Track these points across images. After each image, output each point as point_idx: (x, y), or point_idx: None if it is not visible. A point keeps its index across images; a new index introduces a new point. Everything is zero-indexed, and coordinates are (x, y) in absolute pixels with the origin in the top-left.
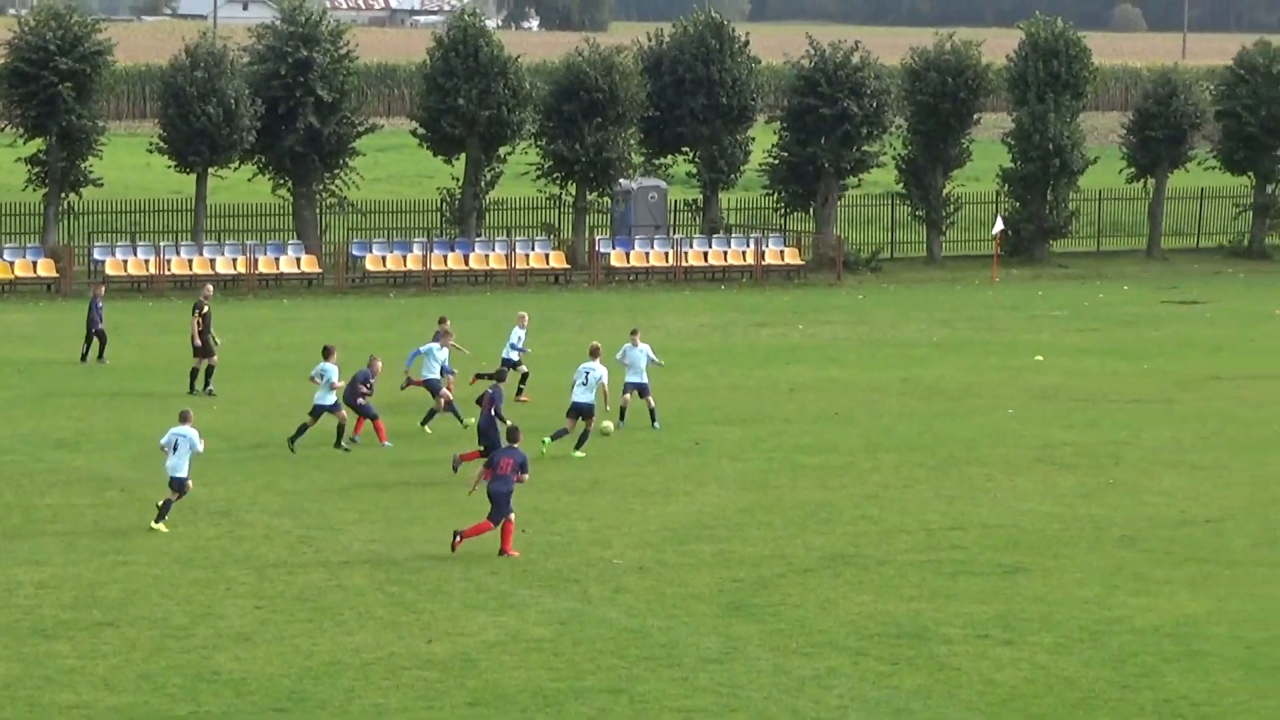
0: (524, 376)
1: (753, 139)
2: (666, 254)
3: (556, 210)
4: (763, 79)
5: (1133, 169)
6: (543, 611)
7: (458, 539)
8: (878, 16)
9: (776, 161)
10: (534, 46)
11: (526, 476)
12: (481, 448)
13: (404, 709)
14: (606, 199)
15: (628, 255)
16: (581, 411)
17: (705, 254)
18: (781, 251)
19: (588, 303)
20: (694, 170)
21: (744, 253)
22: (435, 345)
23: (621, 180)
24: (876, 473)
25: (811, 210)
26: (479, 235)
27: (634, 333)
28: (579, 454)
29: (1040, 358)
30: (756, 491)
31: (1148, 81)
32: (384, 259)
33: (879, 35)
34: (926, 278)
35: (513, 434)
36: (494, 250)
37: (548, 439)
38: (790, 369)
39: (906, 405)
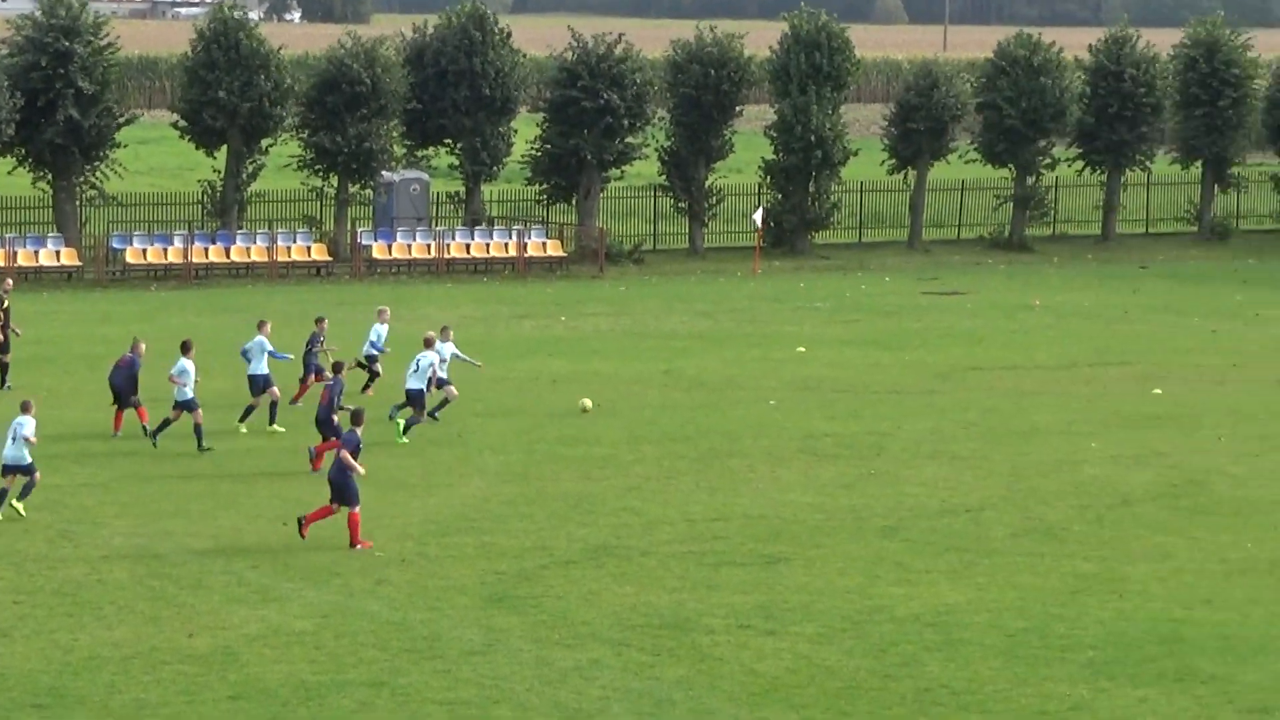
0: (373, 376)
1: (515, 131)
2: (429, 246)
3: (318, 203)
4: (526, 71)
5: (894, 161)
6: (305, 605)
7: (303, 525)
8: (640, 9)
9: (539, 153)
10: (296, 38)
11: (348, 459)
12: (325, 440)
13: (165, 703)
14: (368, 191)
15: (390, 247)
16: (411, 399)
17: (468, 246)
18: (544, 243)
19: (349, 295)
20: (456, 162)
21: (506, 245)
22: (263, 339)
23: (383, 172)
24: (639, 464)
25: (574, 202)
26: (240, 228)
27: (445, 329)
28: (404, 440)
29: (802, 349)
30: (519, 483)
31: (909, 74)
32: (144, 252)
33: (641, 27)
34: (689, 269)
35: (356, 417)
36: (255, 243)
37: (401, 433)
38: (553, 361)
39: (669, 397)
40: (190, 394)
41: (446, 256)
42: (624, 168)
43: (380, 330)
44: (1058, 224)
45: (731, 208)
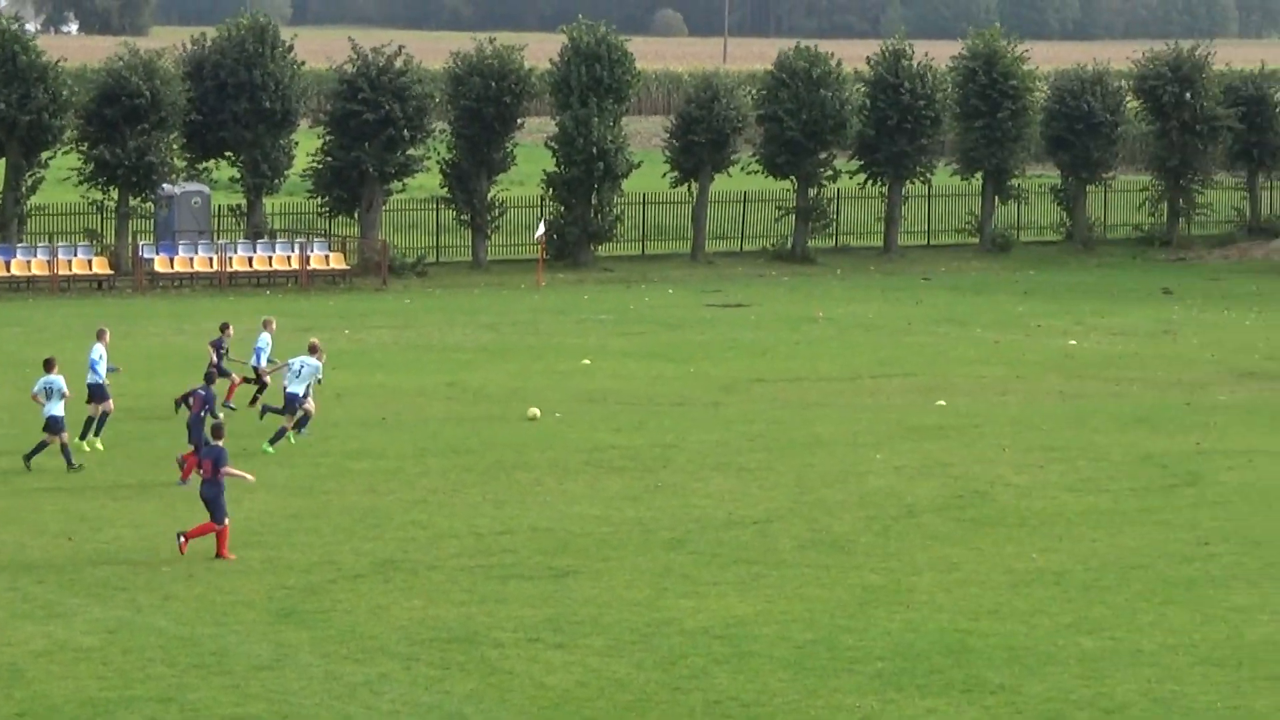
0: (261, 386)
1: (296, 143)
2: (211, 259)
3: (99, 216)
4: (306, 83)
5: (676, 173)
6: (91, 620)
7: (182, 540)
8: (420, 20)
9: (320, 166)
10: (74, 50)
11: (231, 471)
12: (193, 446)
13: None
14: (150, 204)
15: (172, 261)
16: (289, 404)
17: (250, 259)
18: (327, 256)
19: (132, 309)
20: (238, 175)
21: (289, 258)
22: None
23: (164, 185)
24: (425, 478)
25: (356, 215)
26: (20, 241)
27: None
28: (270, 449)
29: (587, 361)
30: (305, 497)
31: (690, 86)
32: None
33: (422, 39)
34: (472, 282)
35: (216, 431)
36: (35, 256)
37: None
38: (337, 374)
39: (454, 409)
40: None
41: (228, 270)
42: (406, 180)
43: (266, 338)
44: (840, 236)
45: (514, 220)
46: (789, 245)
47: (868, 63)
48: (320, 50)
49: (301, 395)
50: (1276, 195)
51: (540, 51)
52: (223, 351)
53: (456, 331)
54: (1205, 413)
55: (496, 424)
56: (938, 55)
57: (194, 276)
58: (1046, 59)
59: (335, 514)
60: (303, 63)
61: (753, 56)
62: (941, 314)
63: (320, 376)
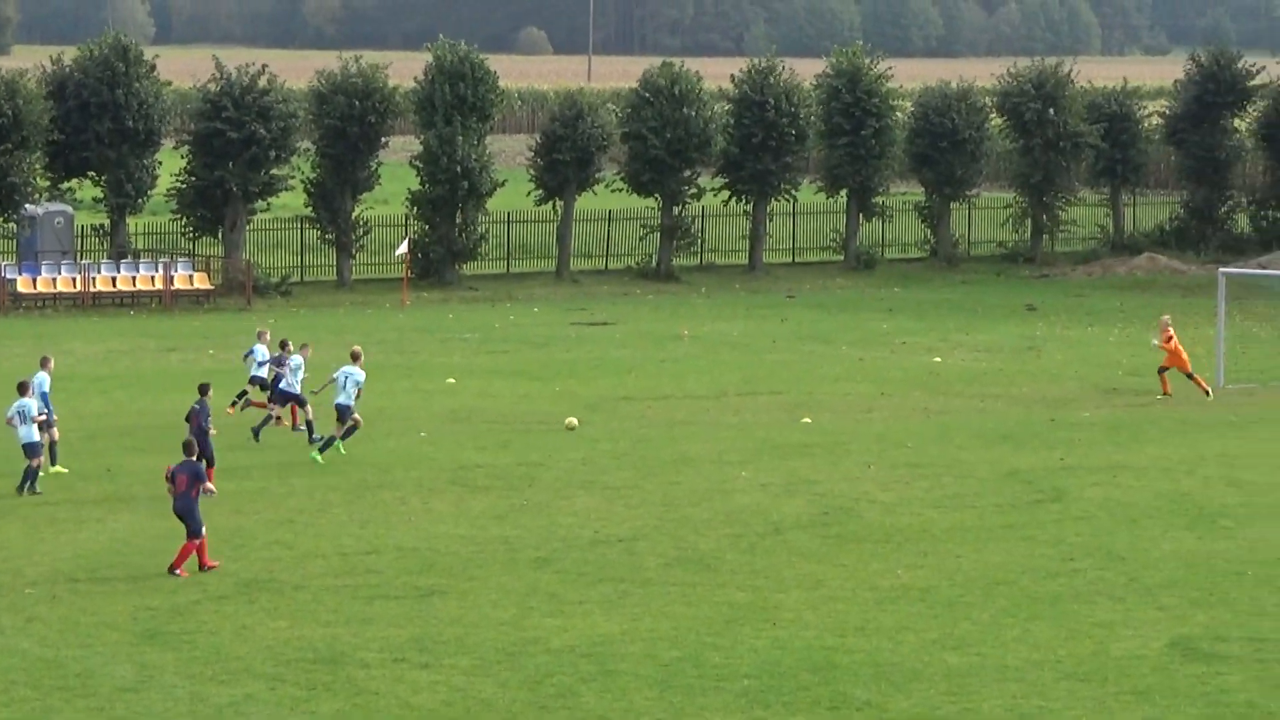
0: (243, 393)
1: (160, 163)
2: (74, 280)
3: None
4: (170, 102)
5: (541, 191)
6: None
7: (176, 571)
8: (284, 39)
9: (184, 185)
10: None
11: (209, 486)
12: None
13: None
14: (12, 225)
15: (34, 281)
16: (340, 414)
17: (114, 279)
18: (190, 276)
19: None
20: (101, 195)
21: (153, 278)
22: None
23: (26, 205)
24: (291, 497)
25: (220, 234)
26: None
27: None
28: (319, 458)
29: (452, 380)
30: (169, 518)
31: (554, 104)
32: None
33: (286, 58)
34: (337, 301)
35: (187, 447)
36: None
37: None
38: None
39: (318, 429)
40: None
41: (92, 290)
42: (270, 199)
43: (262, 350)
44: (705, 254)
45: (379, 239)
46: (654, 263)
47: (732, 80)
48: (184, 69)
49: (351, 405)
50: (1140, 212)
51: (404, 70)
52: (282, 372)
53: (321, 351)
54: (1069, 429)
55: (362, 443)
56: (802, 73)
57: (57, 297)
58: (910, 76)
59: None
60: (167, 82)
61: (617, 74)
62: (807, 331)
63: (362, 384)
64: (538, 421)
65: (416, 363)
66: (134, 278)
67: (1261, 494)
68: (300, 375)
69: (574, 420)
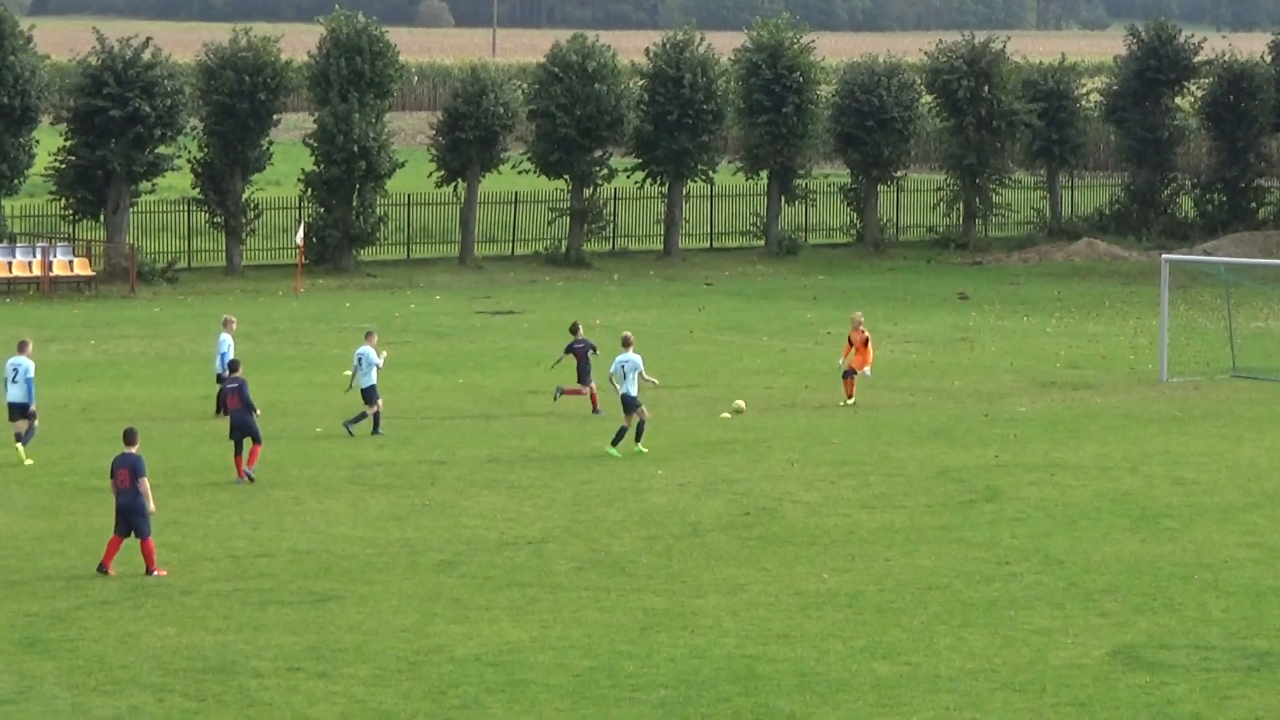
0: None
1: (38, 141)
2: None
3: None
4: (48, 77)
5: (443, 172)
6: None
7: (154, 572)
8: (169, 11)
9: (64, 166)
10: None
11: (145, 486)
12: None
13: None
14: None
15: None
16: (628, 405)
17: None
18: (71, 262)
19: None
20: None
21: (30, 263)
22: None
23: None
24: (178, 497)
25: (102, 218)
26: None
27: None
28: (640, 448)
29: (349, 373)
30: (48, 519)
31: (457, 80)
32: None
33: (172, 30)
34: (227, 288)
35: (128, 436)
36: None
37: (612, 448)
38: (83, 387)
39: (207, 425)
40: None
41: None
42: (155, 180)
43: (226, 340)
44: (617, 239)
45: (271, 222)
46: (563, 249)
47: (646, 55)
48: (63, 42)
49: (635, 394)
50: (1078, 195)
51: (298, 44)
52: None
53: (210, 341)
54: (1004, 425)
55: None
56: (720, 47)
57: None
58: (835, 51)
59: (82, 536)
60: (44, 55)
61: (523, 48)
62: (725, 321)
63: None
64: (441, 416)
65: (311, 354)
66: (10, 263)
67: (1207, 493)
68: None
69: (741, 403)
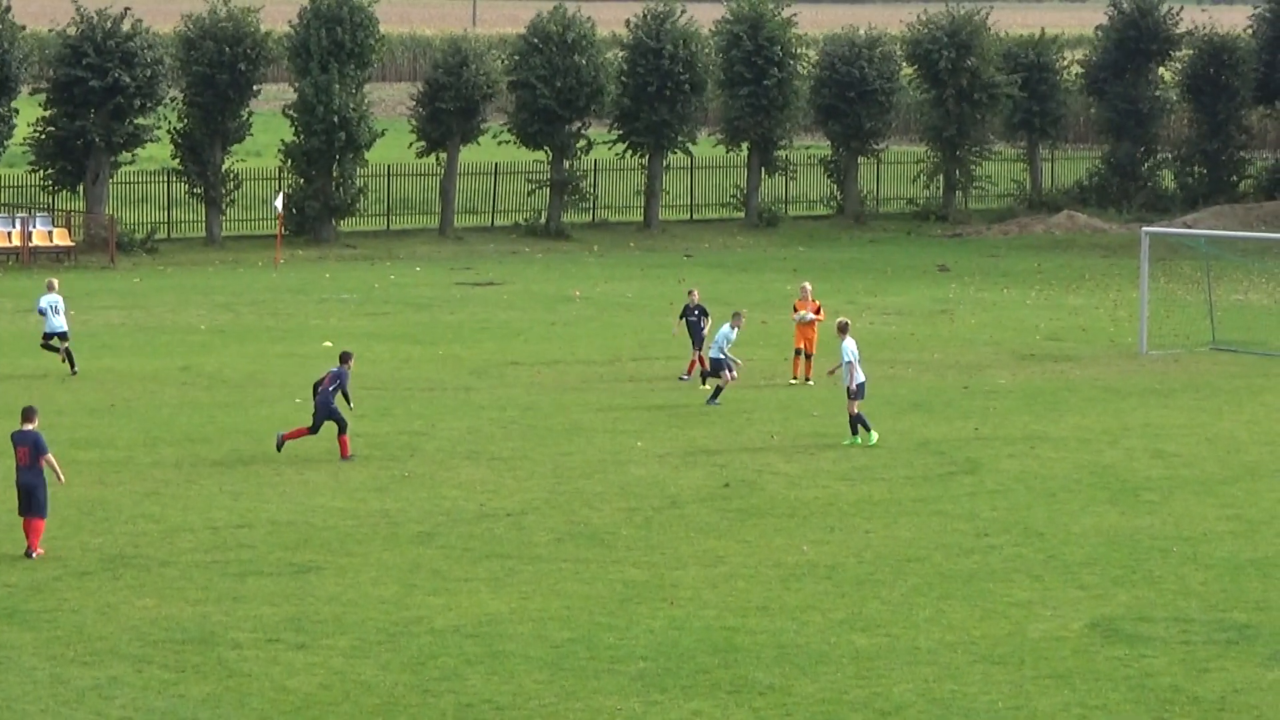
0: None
1: (17, 112)
2: None
3: None
4: (27, 48)
5: (423, 143)
6: None
7: (32, 552)
8: None
9: (43, 136)
10: None
11: (51, 460)
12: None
13: None
14: None
15: None
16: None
17: None
18: (50, 232)
19: None
20: None
21: (10, 234)
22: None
23: None
24: (157, 468)
25: (82, 188)
26: None
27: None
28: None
29: (329, 344)
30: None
31: (437, 50)
32: None
33: (151, 1)
34: (206, 259)
35: (27, 414)
36: None
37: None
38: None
39: (188, 395)
40: None
41: None
42: (135, 151)
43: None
44: (597, 210)
45: (250, 193)
46: (543, 220)
47: (627, 26)
48: (41, 12)
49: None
50: (1058, 167)
51: (278, 14)
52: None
53: (190, 312)
54: (984, 397)
55: (233, 410)
56: (700, 18)
57: None
58: (815, 23)
59: (61, 507)
60: (22, 26)
61: (504, 19)
62: (705, 293)
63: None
64: (421, 388)
65: (291, 325)
66: None
67: (1187, 466)
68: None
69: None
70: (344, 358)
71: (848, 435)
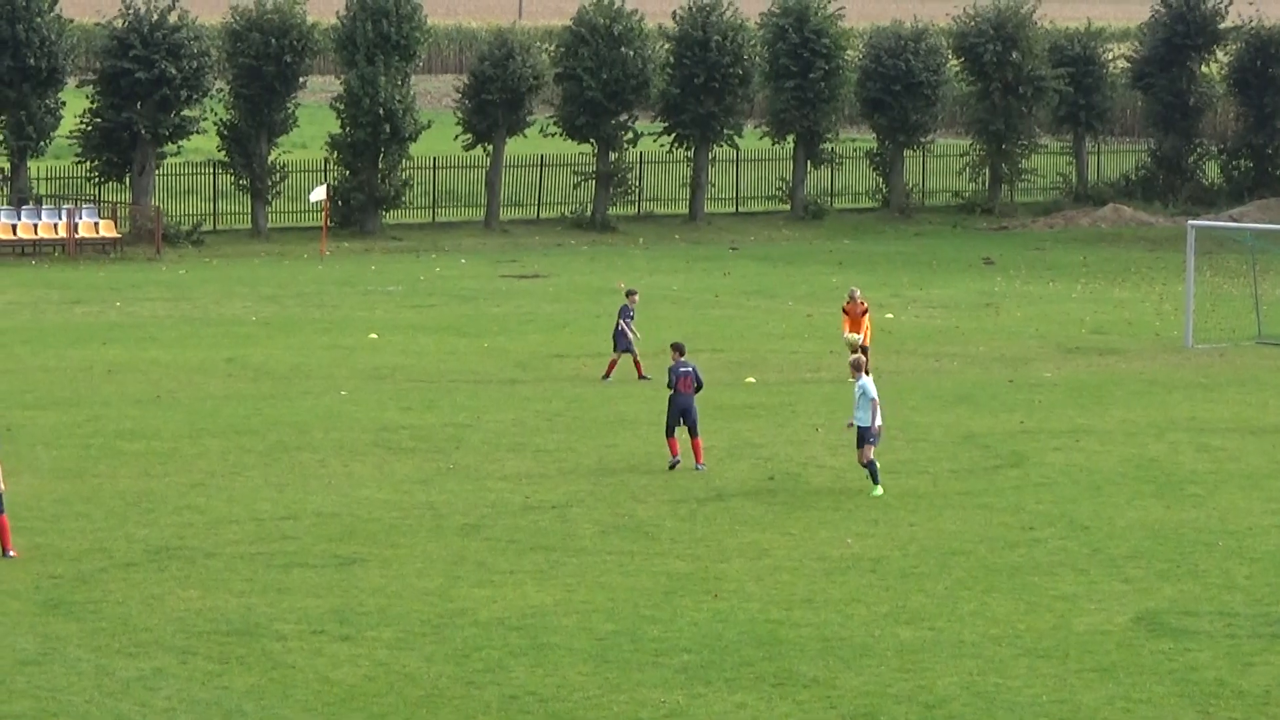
0: None
1: (64, 103)
2: None
3: None
4: (74, 40)
5: (469, 135)
6: None
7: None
8: None
9: (90, 128)
10: None
11: None
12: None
13: None
14: None
15: None
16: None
17: (14, 227)
18: (96, 224)
19: None
20: (0, 137)
21: (56, 225)
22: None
23: None
24: (202, 459)
25: (128, 180)
26: None
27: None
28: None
29: (374, 336)
30: (73, 480)
31: (483, 42)
32: None
33: None
34: (252, 251)
35: None
36: None
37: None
38: (108, 349)
39: (233, 387)
40: None
41: None
42: (181, 143)
43: None
44: (643, 203)
45: (296, 185)
46: (589, 212)
47: (673, 18)
48: (89, 4)
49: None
50: (1104, 160)
51: (324, 6)
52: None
53: (235, 304)
54: (1029, 390)
55: (278, 402)
56: (747, 11)
57: None
58: (862, 16)
59: (107, 498)
60: (70, 19)
61: (550, 11)
62: (751, 285)
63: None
64: (466, 380)
65: (336, 317)
66: (35, 225)
67: (1232, 460)
68: None
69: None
70: (679, 349)
71: (873, 486)
